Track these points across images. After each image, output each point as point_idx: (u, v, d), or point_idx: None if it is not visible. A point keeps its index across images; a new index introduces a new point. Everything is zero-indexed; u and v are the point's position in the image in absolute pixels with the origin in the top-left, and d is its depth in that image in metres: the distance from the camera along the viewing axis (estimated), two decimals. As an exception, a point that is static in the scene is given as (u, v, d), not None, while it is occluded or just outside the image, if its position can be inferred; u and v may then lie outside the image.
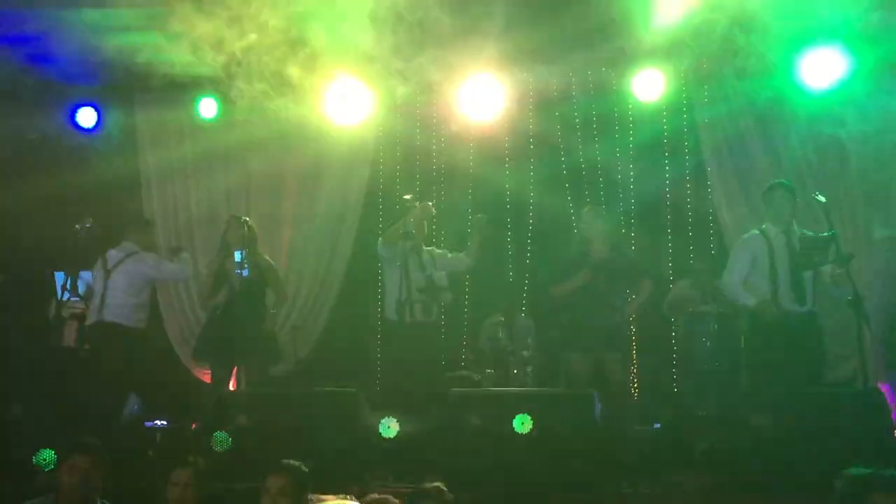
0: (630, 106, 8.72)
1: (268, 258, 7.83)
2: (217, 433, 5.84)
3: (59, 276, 7.51)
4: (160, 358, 8.39)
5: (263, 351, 7.56)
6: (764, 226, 6.86)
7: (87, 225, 7.37)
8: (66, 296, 7.34)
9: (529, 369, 7.82)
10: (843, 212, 7.90)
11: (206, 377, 8.25)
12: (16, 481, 5.42)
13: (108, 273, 7.41)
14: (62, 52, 8.37)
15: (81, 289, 7.51)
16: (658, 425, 6.92)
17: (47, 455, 5.35)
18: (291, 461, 4.60)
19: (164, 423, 6.53)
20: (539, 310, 8.62)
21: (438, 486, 4.32)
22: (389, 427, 6.01)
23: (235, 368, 7.55)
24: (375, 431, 6.01)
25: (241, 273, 7.19)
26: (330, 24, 7.21)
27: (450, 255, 7.84)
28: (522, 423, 5.95)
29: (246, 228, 7.48)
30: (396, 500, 4.35)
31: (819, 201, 6.58)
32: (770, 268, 6.69)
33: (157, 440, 6.38)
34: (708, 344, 7.51)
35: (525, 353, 7.79)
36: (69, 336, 7.79)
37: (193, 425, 6.68)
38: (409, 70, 8.08)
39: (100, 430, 5.60)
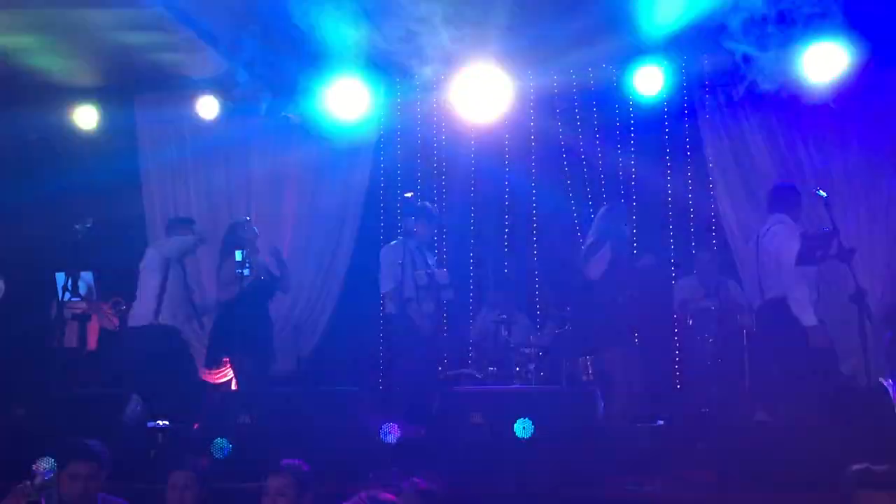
0: (632, 103, 8.66)
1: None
2: (217, 440, 5.83)
3: (60, 277, 7.49)
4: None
5: (259, 351, 7.56)
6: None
7: (88, 225, 7.36)
8: (67, 296, 7.33)
9: (532, 367, 7.79)
10: (844, 207, 7.88)
11: (209, 377, 8.26)
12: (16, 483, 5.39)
13: None
14: (63, 52, 8.37)
15: (82, 289, 7.49)
16: (661, 422, 6.88)
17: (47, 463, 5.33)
18: (292, 461, 4.59)
19: (167, 423, 6.50)
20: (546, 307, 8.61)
21: None
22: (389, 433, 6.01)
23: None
24: (376, 431, 6.01)
25: (242, 273, 7.19)
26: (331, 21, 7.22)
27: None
28: (524, 428, 5.92)
29: (254, 230, 7.63)
30: (391, 496, 4.34)
31: (820, 196, 6.58)
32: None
33: (158, 441, 6.35)
34: (710, 340, 7.47)
35: (526, 350, 7.76)
36: (70, 336, 7.78)
37: (196, 426, 6.66)
38: (411, 67, 8.10)
39: (102, 430, 5.57)
